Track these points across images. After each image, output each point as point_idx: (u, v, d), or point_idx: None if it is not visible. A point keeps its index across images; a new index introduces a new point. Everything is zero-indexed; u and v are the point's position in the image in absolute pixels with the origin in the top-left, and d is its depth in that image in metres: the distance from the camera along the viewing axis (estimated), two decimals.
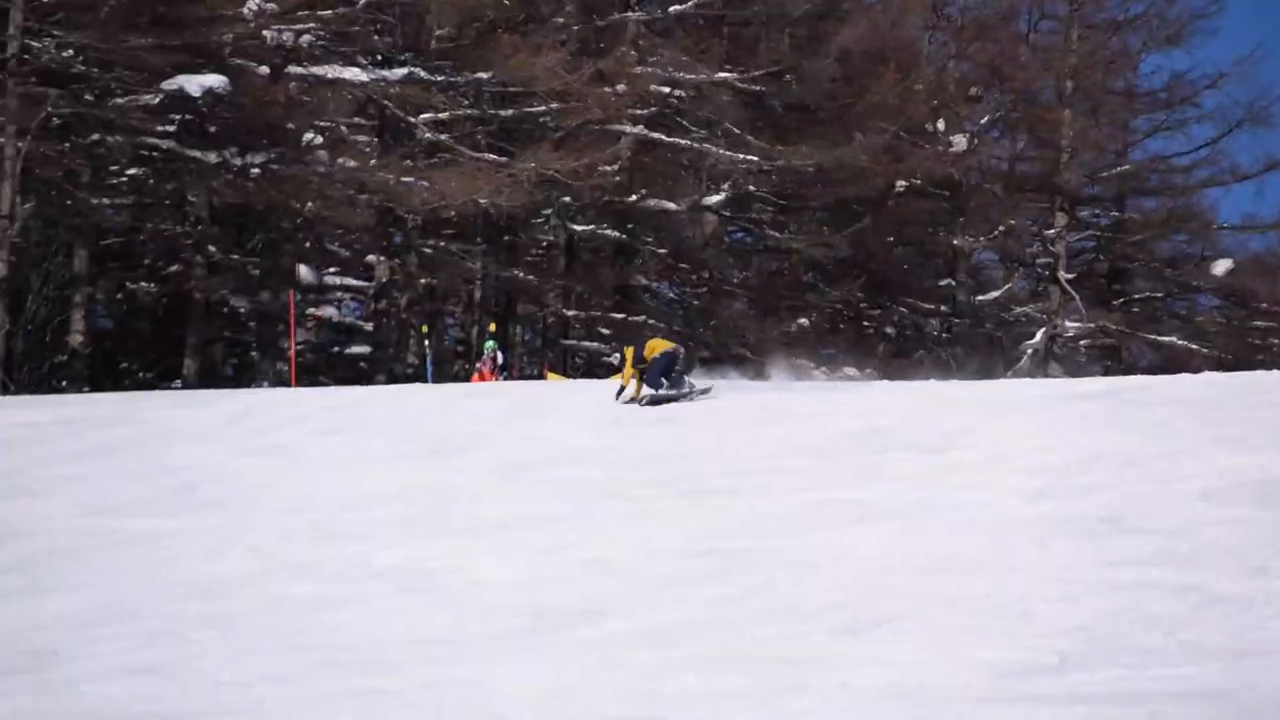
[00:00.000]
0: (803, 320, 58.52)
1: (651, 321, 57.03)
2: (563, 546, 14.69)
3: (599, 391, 30.48)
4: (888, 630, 11.17)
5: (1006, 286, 61.94)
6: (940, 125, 58.12)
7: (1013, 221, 60.23)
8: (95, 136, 44.62)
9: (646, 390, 27.36)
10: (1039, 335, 58.37)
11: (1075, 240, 61.98)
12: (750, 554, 13.83)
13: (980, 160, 60.74)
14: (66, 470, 22.53)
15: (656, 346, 27.77)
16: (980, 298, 61.07)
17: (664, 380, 27.29)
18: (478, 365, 40.83)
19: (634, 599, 12.36)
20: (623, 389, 27.73)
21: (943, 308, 61.79)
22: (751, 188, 55.85)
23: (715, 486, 17.49)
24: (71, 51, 42.84)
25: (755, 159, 53.62)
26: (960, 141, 57.80)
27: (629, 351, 27.91)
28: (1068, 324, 58.56)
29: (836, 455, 19.74)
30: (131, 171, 47.69)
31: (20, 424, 28.15)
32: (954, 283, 60.74)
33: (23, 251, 43.52)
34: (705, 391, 27.85)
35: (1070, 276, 59.37)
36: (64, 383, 46.19)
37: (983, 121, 61.04)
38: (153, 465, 22.61)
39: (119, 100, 44.08)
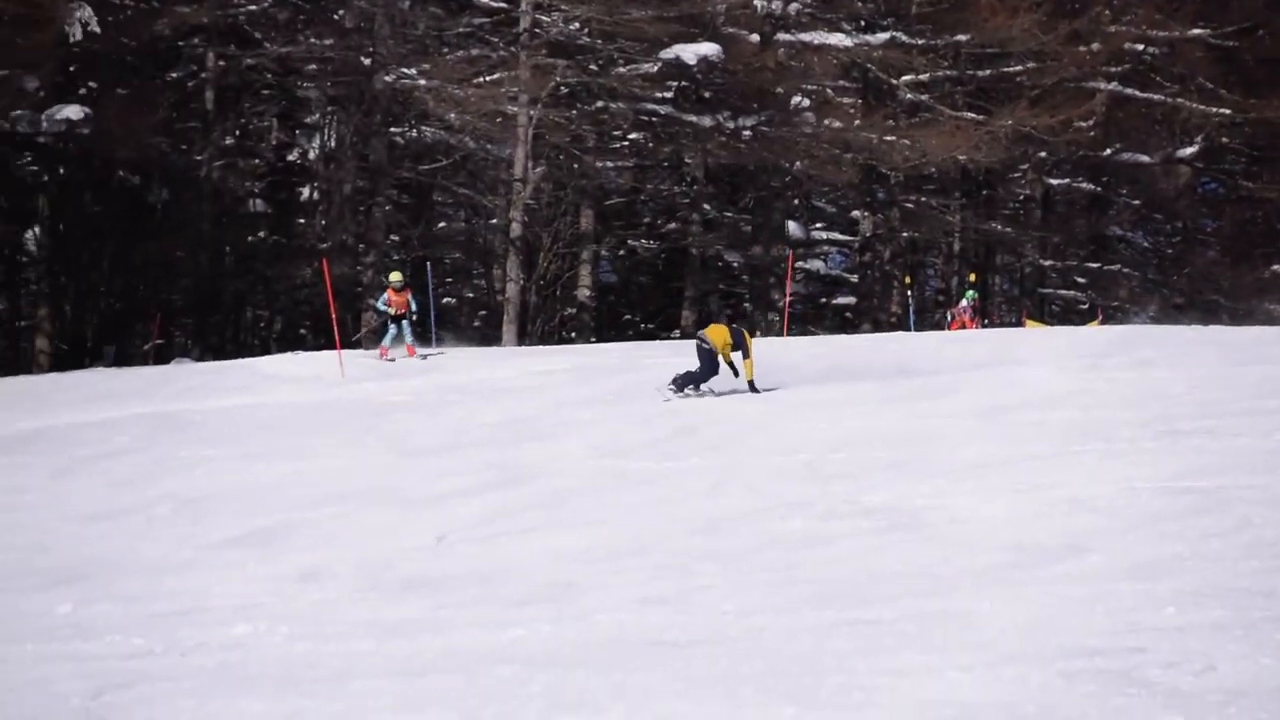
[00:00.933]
0: (1276, 267, 56.74)
1: (1125, 270, 56.35)
2: (1043, 486, 14.50)
3: (1073, 338, 30.03)
4: None
5: None
6: None
7: None
8: (599, 104, 45.83)
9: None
10: None
11: None
12: (1227, 491, 13.45)
13: None
14: (578, 415, 23.17)
15: (719, 334, 24.67)
16: None
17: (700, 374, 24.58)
18: (953, 312, 40.64)
19: (1114, 535, 12.14)
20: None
21: None
22: (1224, 140, 54.55)
23: (1192, 428, 17.03)
24: (577, 24, 44.09)
25: (1227, 112, 52.28)
26: None
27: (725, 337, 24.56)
28: None
29: None
30: (632, 136, 48.95)
31: (536, 372, 29.13)
32: None
33: (535, 212, 45.04)
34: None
35: None
36: (573, 333, 47.61)
37: None
38: (655, 410, 23.09)
39: (621, 69, 45.14)
